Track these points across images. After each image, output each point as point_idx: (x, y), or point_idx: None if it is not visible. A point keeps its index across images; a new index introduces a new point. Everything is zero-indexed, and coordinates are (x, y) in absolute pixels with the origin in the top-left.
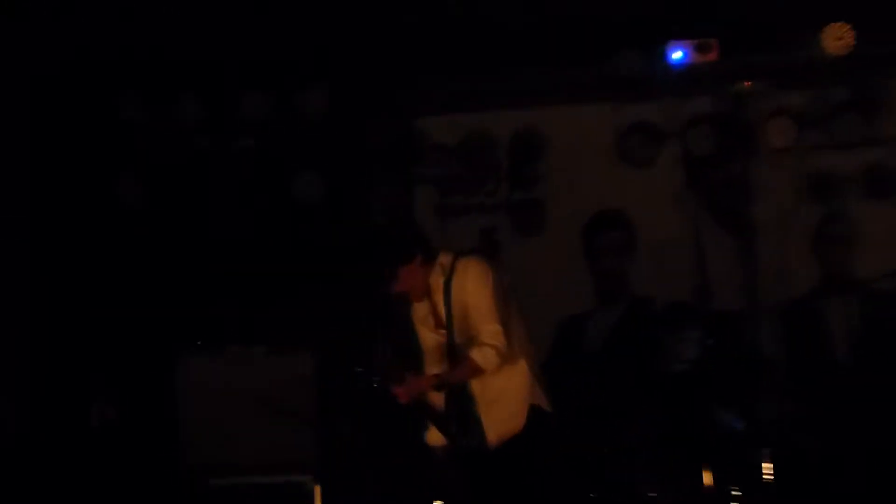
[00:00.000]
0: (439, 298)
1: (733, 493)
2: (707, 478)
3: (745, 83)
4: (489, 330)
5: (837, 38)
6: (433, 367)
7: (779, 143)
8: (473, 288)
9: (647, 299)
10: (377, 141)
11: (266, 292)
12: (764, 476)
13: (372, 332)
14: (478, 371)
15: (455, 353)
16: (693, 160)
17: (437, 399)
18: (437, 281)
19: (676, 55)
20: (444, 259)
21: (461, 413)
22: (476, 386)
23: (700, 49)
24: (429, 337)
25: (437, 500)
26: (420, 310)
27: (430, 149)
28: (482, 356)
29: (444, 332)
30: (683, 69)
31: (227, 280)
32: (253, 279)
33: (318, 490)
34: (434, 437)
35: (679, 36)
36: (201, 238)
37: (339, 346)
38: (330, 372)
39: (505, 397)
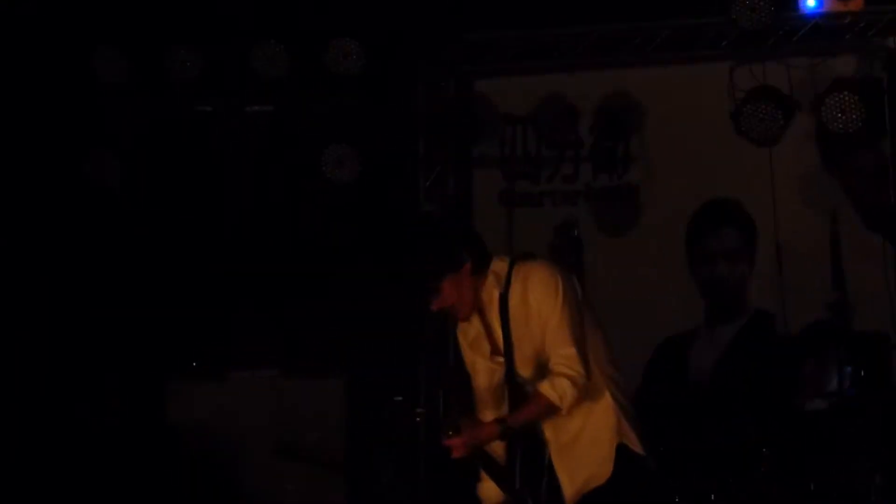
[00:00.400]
0: (494, 317)
1: None
2: None
3: None
4: (562, 355)
5: None
6: (488, 406)
7: None
8: (539, 302)
9: (769, 315)
10: (424, 109)
11: (280, 298)
12: None
13: (412, 355)
14: (551, 409)
15: (517, 387)
16: (830, 137)
17: (497, 444)
18: (490, 294)
19: (811, 2)
20: (499, 266)
21: (529, 463)
22: (548, 428)
23: None
24: (482, 367)
25: None
26: (469, 332)
27: (493, 120)
28: (554, 390)
29: (501, 359)
30: (820, 20)
31: (230, 282)
32: (263, 281)
33: None
34: (490, 490)
35: None
36: (200, 228)
37: (373, 367)
38: (362, 401)
39: (585, 440)
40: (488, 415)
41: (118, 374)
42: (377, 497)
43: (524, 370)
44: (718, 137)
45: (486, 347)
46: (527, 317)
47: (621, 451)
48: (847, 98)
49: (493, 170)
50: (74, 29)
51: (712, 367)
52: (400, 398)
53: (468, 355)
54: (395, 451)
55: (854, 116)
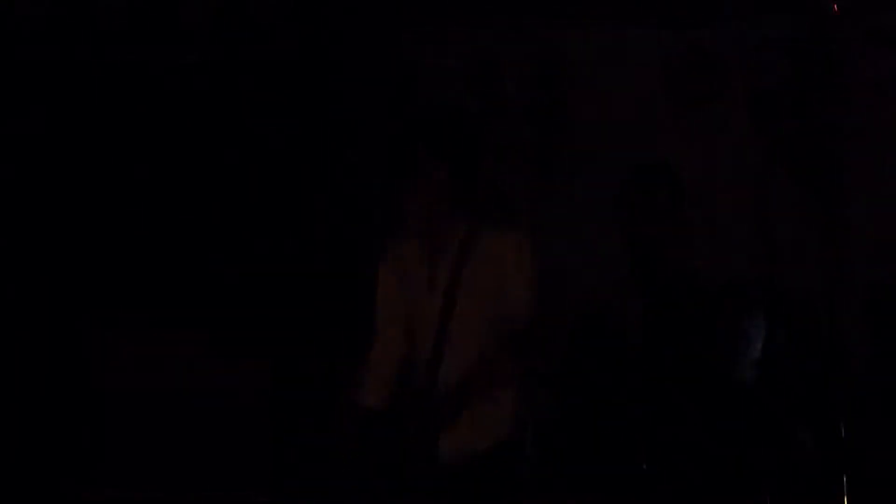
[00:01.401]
0: (452, 248)
1: None
2: None
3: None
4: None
5: None
6: (399, 341)
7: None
8: (516, 264)
9: (695, 276)
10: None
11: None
12: None
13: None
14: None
15: (448, 333)
16: (761, 98)
17: None
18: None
19: None
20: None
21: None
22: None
23: None
24: (410, 299)
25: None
26: (409, 252)
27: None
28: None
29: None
30: None
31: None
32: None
33: None
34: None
35: None
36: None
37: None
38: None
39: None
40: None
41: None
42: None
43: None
44: (649, 100)
45: (424, 278)
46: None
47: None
48: (777, 59)
49: None
50: None
51: (640, 334)
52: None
53: (393, 280)
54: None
55: (785, 77)
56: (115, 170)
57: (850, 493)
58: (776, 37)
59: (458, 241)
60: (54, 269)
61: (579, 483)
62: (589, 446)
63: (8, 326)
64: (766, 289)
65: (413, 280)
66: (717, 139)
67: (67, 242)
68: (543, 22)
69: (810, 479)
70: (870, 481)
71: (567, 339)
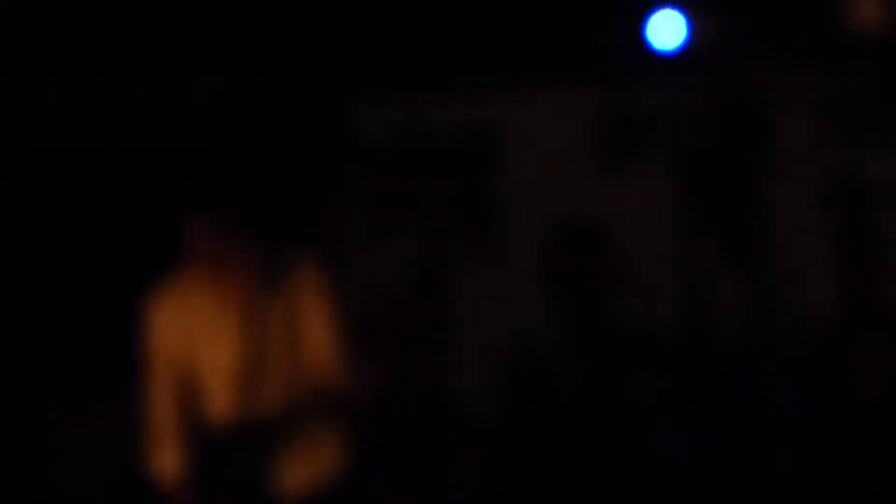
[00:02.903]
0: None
1: None
2: None
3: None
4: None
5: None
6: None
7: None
8: (312, 301)
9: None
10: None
11: None
12: None
13: None
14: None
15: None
16: (691, 162)
17: None
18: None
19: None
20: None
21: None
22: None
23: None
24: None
25: None
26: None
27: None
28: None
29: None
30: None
31: None
32: None
33: None
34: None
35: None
36: None
37: None
38: None
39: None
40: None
41: None
42: None
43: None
44: (582, 163)
45: (224, 326)
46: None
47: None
48: (706, 123)
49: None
50: None
51: (576, 391)
52: None
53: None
54: None
55: (713, 140)
56: None
57: None
58: (700, 100)
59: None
60: None
61: None
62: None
63: None
64: (690, 344)
65: (196, 323)
66: (645, 197)
67: None
68: (476, 86)
69: None
70: None
71: (505, 391)
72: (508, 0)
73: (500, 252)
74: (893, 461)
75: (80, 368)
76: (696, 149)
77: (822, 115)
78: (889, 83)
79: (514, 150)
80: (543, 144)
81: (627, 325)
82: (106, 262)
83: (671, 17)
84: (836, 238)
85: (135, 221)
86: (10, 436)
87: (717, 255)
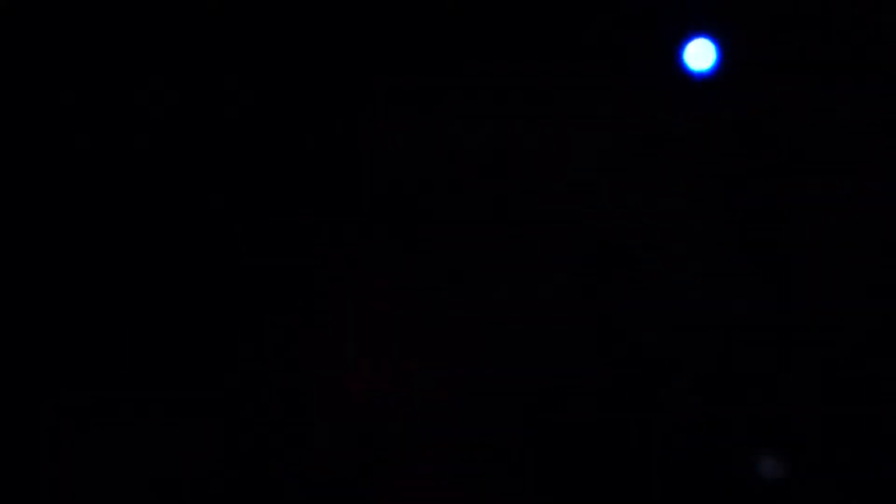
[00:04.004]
0: None
1: None
2: None
3: None
4: None
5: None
6: None
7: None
8: None
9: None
10: None
11: None
12: None
13: None
14: None
15: None
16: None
17: None
18: None
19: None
20: None
21: None
22: None
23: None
24: None
25: None
26: None
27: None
28: None
29: None
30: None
31: None
32: None
33: None
34: None
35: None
36: None
37: None
38: None
39: None
40: None
41: None
42: None
43: None
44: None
45: None
46: None
47: None
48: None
49: None
50: None
51: (598, 407)
52: None
53: None
54: None
55: (742, 162)
56: None
57: None
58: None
59: None
60: None
61: None
62: None
63: None
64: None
65: None
66: (671, 216)
67: None
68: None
69: None
70: None
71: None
72: (542, 24)
73: (527, 268)
74: None
75: (98, 370)
76: (726, 170)
77: (852, 135)
78: None
79: (542, 169)
80: (572, 163)
81: (651, 339)
82: (118, 264)
83: (705, 42)
84: (864, 257)
85: (147, 220)
86: (26, 436)
87: (745, 276)
